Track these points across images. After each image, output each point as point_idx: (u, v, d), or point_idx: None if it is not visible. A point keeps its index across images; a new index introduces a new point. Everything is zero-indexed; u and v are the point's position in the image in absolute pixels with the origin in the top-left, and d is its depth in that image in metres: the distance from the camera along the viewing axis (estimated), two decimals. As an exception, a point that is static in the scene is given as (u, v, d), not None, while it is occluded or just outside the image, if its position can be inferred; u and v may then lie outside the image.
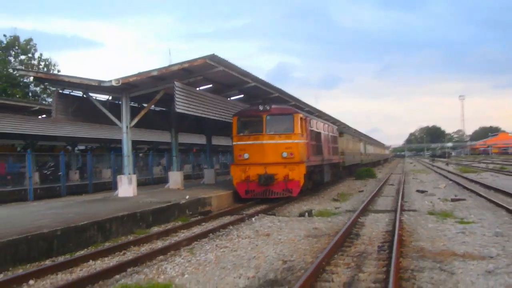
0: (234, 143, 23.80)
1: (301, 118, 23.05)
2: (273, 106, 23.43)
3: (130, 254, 12.19)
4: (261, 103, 24.33)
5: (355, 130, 62.41)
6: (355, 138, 51.11)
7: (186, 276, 9.84)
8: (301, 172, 21.98)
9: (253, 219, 18.11)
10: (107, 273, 10.01)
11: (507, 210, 17.90)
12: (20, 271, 10.55)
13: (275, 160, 22.23)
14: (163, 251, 12.27)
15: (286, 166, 21.80)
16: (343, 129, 45.23)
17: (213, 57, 20.48)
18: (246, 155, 22.67)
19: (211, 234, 14.92)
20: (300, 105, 34.90)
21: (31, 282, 9.69)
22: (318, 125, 28.47)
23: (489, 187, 29.27)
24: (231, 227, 16.29)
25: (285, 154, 21.95)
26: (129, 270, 10.50)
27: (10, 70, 56.55)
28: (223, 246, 12.93)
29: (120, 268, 10.47)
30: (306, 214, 19.09)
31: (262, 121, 22.71)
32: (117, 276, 9.96)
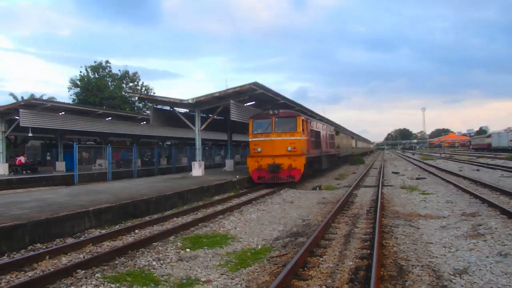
0: (250, 139, 20.40)
1: (302, 120, 20.08)
2: (280, 111, 20.34)
3: (200, 214, 12.21)
4: (271, 108, 20.88)
5: (349, 130, 61.44)
6: (348, 136, 48.11)
7: (237, 229, 9.87)
8: (302, 162, 19.16)
9: (281, 191, 17.82)
10: (185, 226, 10.06)
11: (454, 185, 17.59)
12: (129, 223, 10.71)
13: (281, 153, 19.44)
14: (222, 212, 12.18)
15: (290, 157, 19.09)
16: (339, 129, 42.13)
17: (255, 84, 21.05)
18: (259, 149, 19.81)
19: (253, 201, 14.69)
20: (312, 114, 32.01)
21: (136, 231, 9.84)
22: (317, 126, 25.04)
23: (441, 170, 28.63)
24: (266, 196, 16.02)
25: (289, 148, 19.21)
26: (199, 224, 10.51)
27: (123, 93, 57.84)
28: (262, 209, 12.79)
29: (194, 223, 10.48)
30: (317, 188, 19.08)
31: (272, 122, 19.84)
32: (192, 228, 10.01)
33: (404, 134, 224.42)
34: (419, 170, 31.22)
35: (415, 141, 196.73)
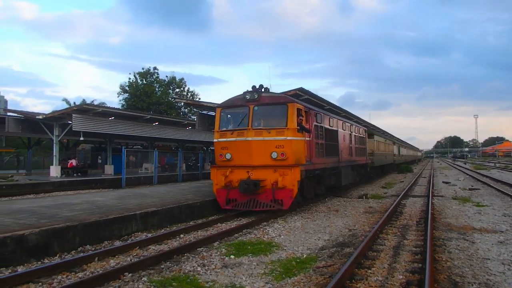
0: (215, 140, 13.56)
1: (298, 110, 13.08)
2: (263, 94, 13.10)
3: (244, 220, 12.13)
4: (249, 91, 13.34)
5: (389, 134, 54.14)
6: (388, 141, 39.91)
7: (282, 236, 9.80)
8: (295, 178, 12.21)
9: (326, 199, 17.35)
10: (230, 232, 10.09)
11: (512, 197, 16.51)
12: (174, 228, 10.85)
13: (262, 162, 12.59)
14: (266, 219, 12.14)
15: (276, 170, 12.36)
16: (373, 131, 33.57)
17: (301, 89, 20.68)
18: (228, 155, 13.02)
19: (297, 208, 14.31)
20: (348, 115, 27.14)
21: (181, 235, 9.96)
22: (332, 122, 17.12)
23: (496, 180, 27.19)
24: (311, 204, 15.61)
25: (275, 155, 12.43)
26: (244, 231, 10.52)
27: (170, 99, 59.40)
28: (306, 217, 12.63)
29: (238, 229, 10.50)
30: (363, 196, 18.33)
31: (249, 112, 12.92)
32: (236, 235, 10.03)
33: (454, 141, 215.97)
34: (471, 180, 29.84)
35: (466, 149, 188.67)
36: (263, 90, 13.38)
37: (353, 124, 22.57)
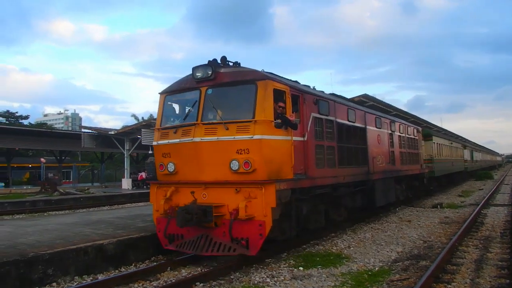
0: (153, 142, 9.20)
1: (278, 92, 8.34)
2: (221, 70, 8.55)
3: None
4: (201, 65, 8.61)
5: (456, 134, 47.70)
6: (454, 144, 33.35)
7: (351, 248, 9.56)
8: (268, 203, 7.56)
9: (397, 209, 16.48)
10: (297, 243, 9.91)
11: None
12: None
13: (218, 176, 8.07)
14: (334, 230, 11.74)
15: (239, 189, 7.80)
16: (430, 131, 26.96)
17: (365, 96, 20.22)
18: (170, 166, 8.68)
19: (366, 219, 13.86)
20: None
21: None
22: (353, 116, 11.94)
23: None
24: (381, 214, 14.95)
25: (235, 165, 7.84)
26: (311, 242, 10.30)
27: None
28: (376, 228, 12.22)
29: (306, 240, 10.30)
30: (438, 206, 17.28)
31: (199, 99, 8.50)
32: (304, 246, 9.90)
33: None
34: None
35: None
36: (223, 64, 8.73)
37: (395, 120, 16.98)
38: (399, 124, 17.30)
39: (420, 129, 21.47)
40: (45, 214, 17.86)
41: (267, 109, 7.98)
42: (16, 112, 73.41)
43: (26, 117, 74.00)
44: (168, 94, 9.35)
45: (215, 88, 8.51)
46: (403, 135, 17.49)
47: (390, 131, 15.54)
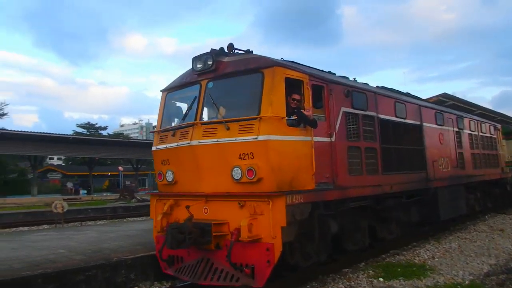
0: (153, 147, 7.74)
1: (291, 81, 6.65)
2: (224, 59, 7.04)
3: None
4: (202, 55, 7.10)
5: None
6: None
7: (436, 259, 8.92)
8: (277, 222, 5.92)
9: (486, 216, 15.09)
10: (375, 253, 9.42)
11: None
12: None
13: (219, 186, 6.56)
14: (416, 239, 10.99)
15: (243, 204, 6.22)
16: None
17: (444, 95, 19.37)
18: (169, 175, 7.26)
19: (451, 227, 12.79)
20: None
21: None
22: (403, 111, 9.88)
23: None
24: (468, 222, 13.76)
25: (238, 173, 6.24)
26: (391, 251, 9.73)
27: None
28: (463, 237, 11.32)
29: (384, 249, 9.75)
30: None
31: (199, 94, 7.05)
32: (383, 255, 9.42)
33: None
34: None
35: None
36: (229, 52, 7.29)
37: (464, 116, 14.30)
38: (469, 121, 14.60)
39: (498, 126, 18.31)
40: (125, 220, 18.34)
41: (275, 102, 6.34)
42: (96, 124, 78.02)
43: (105, 128, 78.36)
44: (170, 91, 8.00)
45: (217, 80, 7.02)
46: (475, 133, 14.74)
47: (457, 129, 13.13)
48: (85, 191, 46.91)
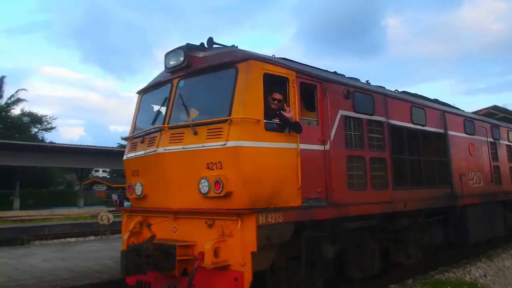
0: (124, 156, 6.85)
1: (270, 77, 5.63)
2: (199, 54, 6.09)
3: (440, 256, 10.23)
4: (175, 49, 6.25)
5: None
6: None
7: (488, 277, 8.62)
8: (247, 246, 4.92)
9: None
10: (424, 269, 9.11)
11: None
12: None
13: (187, 201, 5.55)
14: (466, 256, 10.58)
15: (212, 222, 5.26)
16: None
17: (495, 107, 18.57)
18: (138, 187, 6.33)
19: (504, 245, 12.28)
20: None
21: None
22: (421, 116, 8.63)
23: None
24: None
25: (205, 185, 5.27)
26: (439, 268, 9.53)
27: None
28: None
29: (433, 266, 9.53)
30: None
31: (170, 94, 6.18)
32: (432, 272, 9.20)
33: None
34: None
35: None
36: (206, 47, 6.29)
37: (500, 125, 12.63)
38: (508, 130, 12.97)
39: None
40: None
41: (250, 102, 5.38)
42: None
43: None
44: (145, 92, 7.16)
45: (189, 78, 6.15)
46: (505, 142, 12.75)
47: (491, 139, 11.65)
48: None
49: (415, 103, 8.72)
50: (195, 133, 5.51)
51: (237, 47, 6.36)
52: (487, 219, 10.60)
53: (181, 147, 5.62)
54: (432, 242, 8.96)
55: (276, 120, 5.69)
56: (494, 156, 11.54)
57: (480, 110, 16.98)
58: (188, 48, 6.11)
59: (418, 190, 8.10)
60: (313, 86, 6.34)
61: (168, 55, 6.36)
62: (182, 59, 6.10)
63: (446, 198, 9.02)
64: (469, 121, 10.70)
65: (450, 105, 10.99)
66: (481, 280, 8.31)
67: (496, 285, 7.80)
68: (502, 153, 12.05)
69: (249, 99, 5.37)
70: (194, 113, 5.91)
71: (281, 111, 5.67)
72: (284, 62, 6.10)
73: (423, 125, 8.70)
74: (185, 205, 5.63)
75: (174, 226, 5.81)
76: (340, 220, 6.33)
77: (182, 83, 6.18)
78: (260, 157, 5.30)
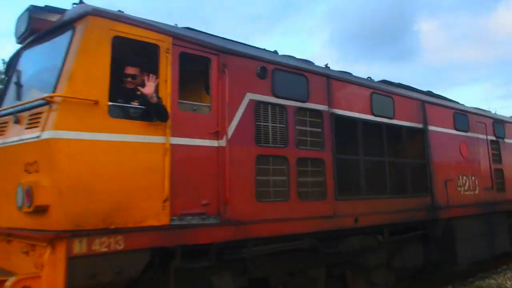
0: None
1: (122, 41, 4.02)
2: (54, 18, 4.38)
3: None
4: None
5: None
6: None
7: None
8: (55, 285, 3.41)
9: None
10: (462, 276, 8.45)
11: None
12: None
13: (7, 216, 4.04)
14: (506, 262, 9.89)
15: (27, 249, 3.78)
16: None
17: None
18: None
19: None
20: None
21: None
22: (381, 105, 6.65)
23: None
24: None
25: (19, 196, 3.67)
26: (479, 274, 8.98)
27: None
28: None
29: (472, 273, 8.86)
30: None
31: (8, 71, 5.45)
32: (471, 279, 8.64)
33: None
34: None
35: None
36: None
37: (504, 120, 10.38)
38: (509, 125, 10.46)
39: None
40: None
41: (81, 75, 3.77)
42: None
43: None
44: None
45: (29, 49, 4.67)
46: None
47: (493, 137, 9.52)
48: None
49: (378, 90, 6.74)
50: (16, 122, 3.99)
51: (122, 11, 4.71)
52: (485, 234, 8.62)
53: (1, 141, 4.10)
54: (406, 265, 7.06)
55: (135, 103, 4.06)
56: (496, 158, 9.46)
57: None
58: (36, 10, 4.48)
59: (378, 201, 6.23)
60: (205, 59, 4.61)
61: (17, 20, 4.74)
62: (25, 25, 4.56)
63: (424, 209, 7.08)
64: (461, 115, 8.61)
65: (437, 95, 9.04)
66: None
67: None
68: (507, 153, 9.89)
69: (81, 71, 3.75)
70: (33, 94, 4.31)
71: (139, 87, 4.02)
72: (152, 23, 4.33)
73: (390, 118, 6.76)
74: (2, 223, 4.09)
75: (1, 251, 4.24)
76: (244, 242, 4.62)
77: (24, 54, 4.71)
78: (95, 155, 3.69)
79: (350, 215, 5.72)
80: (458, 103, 9.40)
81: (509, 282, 8.17)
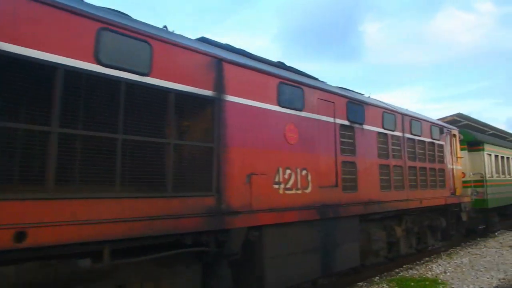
0: None
1: None
2: None
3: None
4: None
5: None
6: None
7: (448, 273, 9.11)
8: None
9: (496, 233, 15.82)
10: (389, 267, 9.50)
11: None
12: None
13: None
14: (428, 254, 11.38)
15: None
16: (484, 136, 17.86)
17: (459, 115, 19.52)
18: None
19: (462, 243, 13.56)
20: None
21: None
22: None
23: None
24: (478, 239, 14.58)
25: None
26: (404, 266, 9.97)
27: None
28: (474, 253, 11.66)
29: (398, 264, 9.92)
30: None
31: None
32: (396, 270, 9.56)
33: None
34: None
35: None
36: None
37: (365, 102, 8.37)
38: (382, 112, 8.76)
39: (454, 130, 12.72)
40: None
41: None
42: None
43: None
44: None
45: None
46: (396, 133, 9.15)
47: (345, 122, 7.58)
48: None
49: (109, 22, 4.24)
50: None
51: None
52: (319, 247, 6.58)
53: None
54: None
55: None
56: (347, 148, 7.48)
57: (446, 118, 17.88)
58: None
59: (80, 201, 3.83)
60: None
61: None
62: None
63: (202, 215, 4.82)
64: (292, 87, 6.43)
65: (289, 66, 6.92)
66: (441, 276, 8.90)
67: (454, 280, 8.44)
68: (365, 143, 7.93)
69: None
70: None
71: None
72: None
73: (143, 75, 4.41)
74: None
75: None
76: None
77: None
78: None
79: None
80: (293, 71, 7.23)
81: (430, 272, 9.24)
